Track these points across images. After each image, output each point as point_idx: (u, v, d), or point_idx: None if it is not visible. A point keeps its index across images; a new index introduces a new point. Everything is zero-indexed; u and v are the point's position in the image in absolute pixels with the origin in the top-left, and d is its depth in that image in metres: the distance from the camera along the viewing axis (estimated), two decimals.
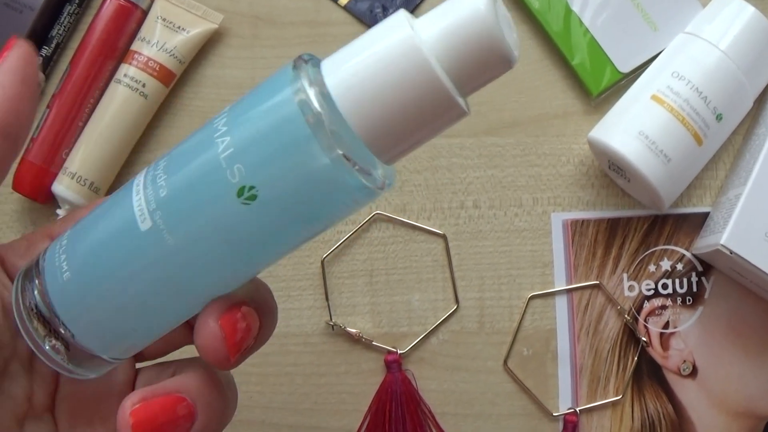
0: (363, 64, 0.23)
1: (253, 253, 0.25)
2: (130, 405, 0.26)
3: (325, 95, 0.23)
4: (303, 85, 0.23)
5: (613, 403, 0.49)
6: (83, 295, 0.26)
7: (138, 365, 0.32)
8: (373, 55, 0.23)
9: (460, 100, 0.24)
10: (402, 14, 0.23)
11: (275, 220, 0.24)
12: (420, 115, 0.23)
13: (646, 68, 0.49)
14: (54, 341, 0.26)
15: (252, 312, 0.27)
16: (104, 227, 0.26)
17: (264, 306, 0.28)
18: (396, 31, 0.23)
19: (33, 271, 0.27)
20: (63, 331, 0.26)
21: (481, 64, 0.23)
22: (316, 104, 0.23)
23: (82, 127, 0.49)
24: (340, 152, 0.23)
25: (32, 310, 0.27)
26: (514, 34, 0.24)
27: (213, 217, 0.24)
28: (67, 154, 0.49)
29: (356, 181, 0.24)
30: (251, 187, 0.23)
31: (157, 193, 0.24)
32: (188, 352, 0.29)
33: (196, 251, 0.25)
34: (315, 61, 0.24)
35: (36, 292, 0.27)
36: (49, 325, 0.26)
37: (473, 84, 0.24)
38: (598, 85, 0.49)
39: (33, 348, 0.27)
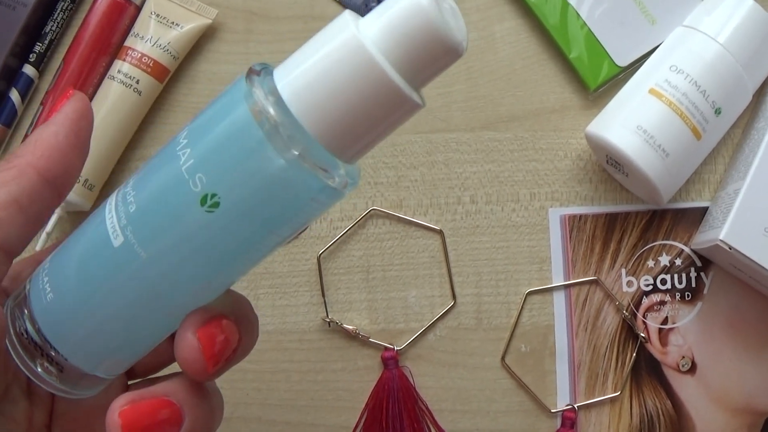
0: (311, 66, 0.23)
1: (223, 261, 0.26)
2: (118, 407, 0.26)
3: (277, 100, 0.24)
4: (255, 93, 0.24)
5: (612, 400, 0.48)
6: (67, 314, 0.27)
7: (130, 382, 0.33)
8: (321, 58, 0.23)
9: (413, 94, 0.24)
10: (347, 14, 0.24)
11: (240, 225, 0.25)
12: (373, 112, 0.23)
13: (644, 62, 0.48)
14: (46, 364, 0.27)
15: (231, 325, 0.28)
16: (81, 246, 0.27)
17: (244, 319, 0.29)
18: (341, 31, 0.23)
19: (21, 297, 0.28)
20: (54, 354, 0.27)
21: (427, 56, 0.23)
22: (269, 109, 0.23)
23: None
24: (296, 153, 0.23)
25: (23, 335, 0.27)
26: (460, 22, 0.24)
27: (180, 228, 0.25)
28: None
29: (316, 182, 0.24)
30: (213, 195, 0.24)
31: (127, 209, 0.25)
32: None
33: (168, 263, 0.25)
34: (268, 70, 0.25)
35: (25, 318, 0.27)
36: (41, 349, 0.27)
37: (423, 76, 0.24)
38: (596, 79, 0.49)
39: (26, 372, 0.27)
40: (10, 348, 0.27)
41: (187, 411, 0.27)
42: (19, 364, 0.27)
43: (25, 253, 0.30)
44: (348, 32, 0.23)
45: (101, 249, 0.26)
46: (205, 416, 0.28)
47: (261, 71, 0.25)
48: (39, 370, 0.27)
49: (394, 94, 0.23)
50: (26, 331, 0.27)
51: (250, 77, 0.24)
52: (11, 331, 0.27)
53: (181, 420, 0.27)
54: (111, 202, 0.26)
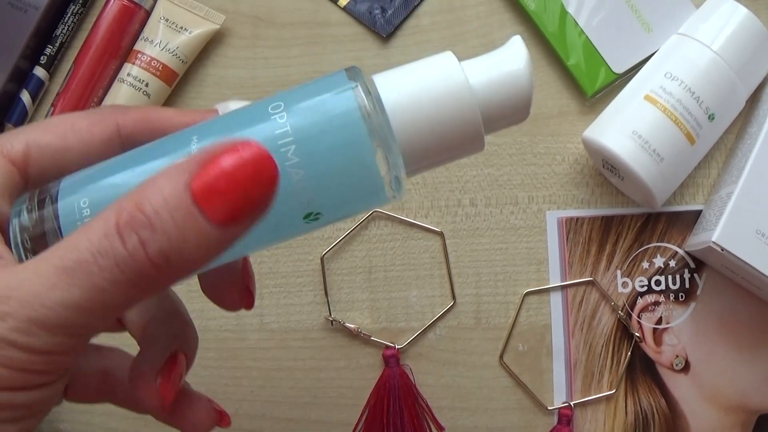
0: (418, 90, 0.26)
1: (281, 241, 0.28)
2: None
3: (382, 114, 0.26)
4: (369, 107, 0.26)
5: (607, 398, 0.50)
6: None
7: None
8: (429, 86, 0.26)
9: (484, 139, 0.28)
10: (453, 57, 0.27)
11: (321, 226, 0.27)
12: (452, 144, 0.27)
13: (640, 69, 0.49)
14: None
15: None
16: None
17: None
18: (451, 71, 0.27)
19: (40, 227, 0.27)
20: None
21: (507, 114, 0.27)
22: (378, 131, 0.26)
23: None
24: (390, 169, 0.26)
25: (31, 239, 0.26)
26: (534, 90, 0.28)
27: (275, 224, 0.26)
28: None
29: (387, 190, 0.27)
30: (317, 213, 0.26)
31: None
32: None
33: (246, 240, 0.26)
34: (369, 81, 0.27)
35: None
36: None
37: (494, 127, 0.28)
38: (593, 86, 0.50)
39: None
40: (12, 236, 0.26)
41: (188, 351, 0.31)
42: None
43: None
44: (458, 76, 0.26)
45: None
46: (195, 346, 0.31)
47: (360, 76, 0.27)
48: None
49: (476, 136, 0.27)
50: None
51: (354, 83, 0.26)
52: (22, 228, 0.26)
53: (187, 364, 0.30)
54: None
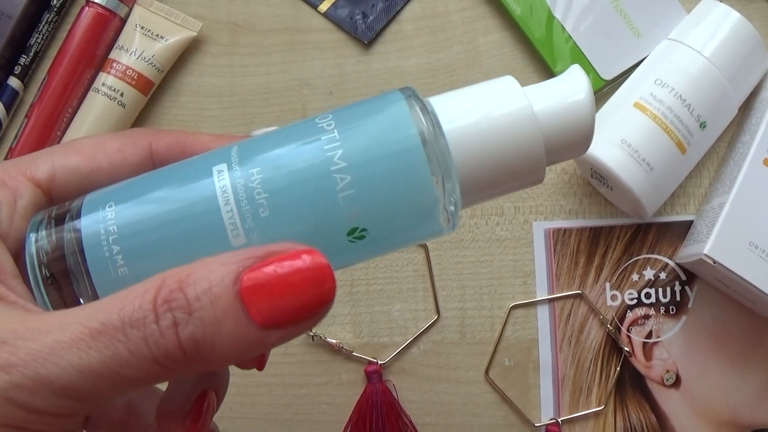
0: (480, 117, 0.25)
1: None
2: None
3: (443, 140, 0.25)
4: (429, 135, 0.24)
5: (596, 414, 0.48)
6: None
7: None
8: (491, 113, 0.25)
9: (545, 171, 0.26)
10: (515, 82, 0.26)
11: (369, 254, 0.25)
12: (512, 175, 0.26)
13: (629, 75, 0.48)
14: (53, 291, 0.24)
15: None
16: (181, 228, 0.24)
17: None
18: (514, 98, 0.26)
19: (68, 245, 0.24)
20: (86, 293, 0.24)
21: (569, 146, 0.26)
22: (437, 159, 0.24)
23: (61, 137, 0.49)
24: (445, 193, 0.25)
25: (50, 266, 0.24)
26: None
27: (316, 244, 0.23)
28: None
29: (439, 220, 0.25)
30: (363, 230, 0.24)
31: (256, 212, 0.24)
32: None
33: None
34: (424, 100, 0.26)
35: (72, 269, 0.24)
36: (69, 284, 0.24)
37: (555, 158, 0.27)
38: None
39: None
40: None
41: (218, 389, 0.29)
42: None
43: None
44: (522, 103, 0.25)
45: (212, 240, 0.24)
46: (226, 385, 0.30)
47: (419, 98, 0.26)
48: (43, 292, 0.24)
49: (538, 169, 0.26)
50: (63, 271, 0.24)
51: (412, 105, 0.25)
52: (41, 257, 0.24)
53: (218, 403, 0.29)
54: (225, 190, 0.24)
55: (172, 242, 0.24)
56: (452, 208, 0.25)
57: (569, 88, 0.26)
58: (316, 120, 0.25)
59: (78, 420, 0.22)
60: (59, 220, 0.24)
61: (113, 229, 0.24)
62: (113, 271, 0.24)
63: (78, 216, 0.24)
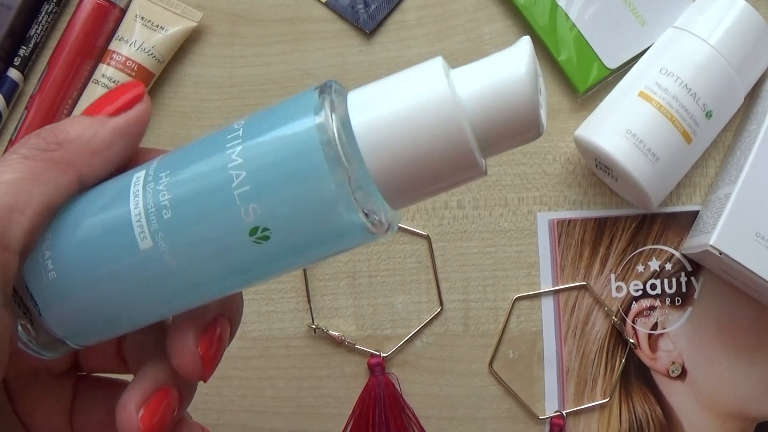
0: (392, 107, 0.23)
1: (255, 280, 0.25)
2: (134, 408, 0.26)
3: (348, 136, 0.23)
4: (326, 123, 0.23)
5: (601, 406, 0.48)
6: (66, 296, 0.25)
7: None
8: (404, 101, 0.22)
9: (482, 161, 0.23)
10: (439, 62, 0.23)
11: (282, 258, 0.24)
12: (439, 170, 0.23)
13: (634, 64, 0.47)
14: (28, 325, 0.26)
15: (225, 324, 0.28)
16: (96, 234, 0.25)
17: (235, 313, 0.29)
18: (432, 81, 0.22)
19: None
20: (38, 319, 0.26)
21: (510, 131, 0.23)
22: (342, 155, 0.22)
23: None
24: (353, 191, 0.23)
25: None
26: (546, 108, 0.24)
27: (221, 249, 0.24)
28: None
29: (361, 223, 0.23)
30: (265, 229, 0.23)
31: (160, 214, 0.24)
32: None
33: (198, 275, 0.24)
34: (340, 90, 0.24)
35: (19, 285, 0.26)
36: (26, 313, 0.26)
37: (497, 148, 0.23)
38: (585, 82, 0.48)
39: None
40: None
41: (182, 388, 0.28)
42: None
43: None
44: (440, 85, 0.22)
45: (122, 246, 0.24)
46: (193, 384, 0.29)
47: (333, 94, 0.24)
48: (19, 328, 0.26)
49: (467, 159, 0.23)
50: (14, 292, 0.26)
51: (321, 102, 0.23)
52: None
53: (180, 401, 0.27)
54: (136, 193, 0.24)
55: (90, 246, 0.25)
56: (372, 208, 0.23)
57: (508, 63, 0.23)
58: (234, 122, 0.24)
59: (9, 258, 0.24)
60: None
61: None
62: (45, 275, 0.25)
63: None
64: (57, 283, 0.25)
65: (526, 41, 0.23)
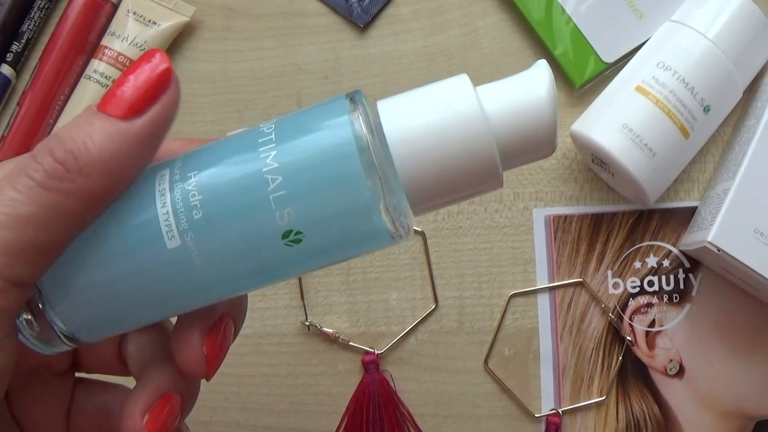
0: (424, 118, 0.24)
1: (277, 278, 0.26)
2: (139, 414, 0.27)
3: (382, 144, 0.24)
4: (362, 134, 0.24)
5: (598, 404, 0.48)
6: (80, 290, 0.25)
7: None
8: (436, 114, 0.24)
9: (503, 175, 0.25)
10: (467, 80, 0.25)
11: (310, 259, 0.25)
12: (465, 181, 0.24)
13: (631, 58, 0.47)
14: (31, 318, 0.26)
15: (230, 323, 0.28)
16: (119, 231, 0.25)
17: (240, 313, 0.29)
18: (463, 97, 0.24)
19: None
20: (44, 312, 0.25)
21: (528, 148, 0.25)
22: (376, 163, 0.24)
23: (53, 125, 0.48)
24: (387, 207, 0.24)
25: None
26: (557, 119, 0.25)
27: (251, 251, 0.24)
28: None
29: (388, 229, 0.24)
30: (298, 232, 0.24)
31: (190, 214, 0.24)
32: None
33: (222, 275, 0.25)
34: (368, 102, 0.25)
35: None
36: (32, 307, 0.26)
37: (514, 162, 0.25)
38: (582, 76, 0.47)
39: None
40: None
41: (185, 394, 0.28)
42: None
43: None
44: (471, 103, 0.24)
45: (149, 243, 0.24)
46: (195, 391, 0.29)
47: (364, 101, 0.25)
48: (22, 322, 0.26)
49: (493, 173, 0.24)
50: None
51: (354, 109, 0.24)
52: None
53: (183, 407, 0.28)
54: (162, 192, 0.25)
55: (112, 243, 0.25)
56: (399, 215, 0.24)
57: (529, 85, 0.25)
58: (261, 125, 0.25)
59: (19, 295, 0.23)
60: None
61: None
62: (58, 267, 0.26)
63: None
64: (72, 278, 0.25)
65: (544, 65, 0.25)
